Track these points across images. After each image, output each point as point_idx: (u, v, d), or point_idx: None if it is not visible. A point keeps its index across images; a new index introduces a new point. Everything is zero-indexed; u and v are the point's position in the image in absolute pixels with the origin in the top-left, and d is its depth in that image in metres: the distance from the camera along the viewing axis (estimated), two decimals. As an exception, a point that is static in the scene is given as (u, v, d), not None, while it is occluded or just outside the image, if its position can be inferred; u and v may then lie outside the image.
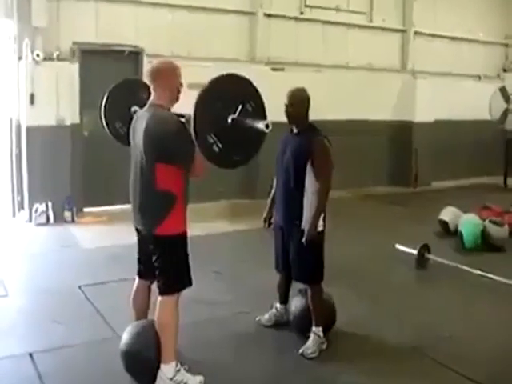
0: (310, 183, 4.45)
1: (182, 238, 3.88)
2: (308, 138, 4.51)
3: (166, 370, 3.85)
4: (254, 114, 3.71)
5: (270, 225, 4.90)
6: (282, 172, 4.63)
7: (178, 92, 3.90)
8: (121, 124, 4.57)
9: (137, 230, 4.04)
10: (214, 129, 3.57)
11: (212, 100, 3.60)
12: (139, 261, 4.17)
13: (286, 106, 4.59)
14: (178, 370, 3.87)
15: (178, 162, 3.70)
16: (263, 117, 3.78)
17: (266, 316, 5.06)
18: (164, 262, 3.85)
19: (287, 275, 4.83)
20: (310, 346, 4.53)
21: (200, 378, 3.96)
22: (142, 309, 4.19)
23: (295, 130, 4.64)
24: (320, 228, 4.48)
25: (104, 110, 4.59)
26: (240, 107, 3.66)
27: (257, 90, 3.87)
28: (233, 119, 3.64)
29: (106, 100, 4.59)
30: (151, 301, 4.19)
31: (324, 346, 4.57)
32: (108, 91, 4.59)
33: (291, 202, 4.55)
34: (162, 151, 3.65)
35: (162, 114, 3.78)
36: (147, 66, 8.88)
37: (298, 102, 4.58)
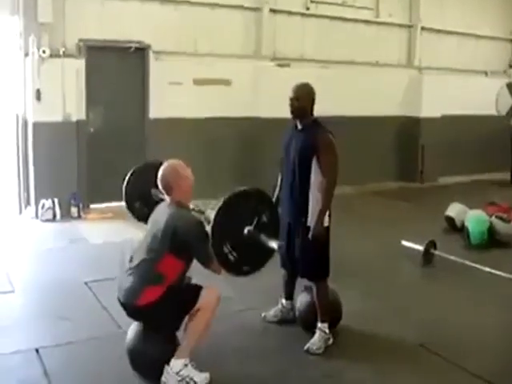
0: (316, 179, 4.44)
1: None
2: (313, 134, 4.49)
3: (175, 364, 3.87)
4: (269, 225, 3.91)
5: None
6: (287, 168, 4.62)
7: (191, 191, 4.08)
8: (140, 204, 4.83)
9: None
10: (230, 240, 3.75)
11: (231, 212, 3.76)
12: None
13: (291, 99, 4.57)
14: (186, 365, 3.89)
15: (196, 256, 3.88)
16: (277, 228, 4.02)
17: (272, 312, 5.06)
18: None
19: (293, 272, 4.82)
20: (316, 342, 4.53)
21: (206, 374, 3.97)
22: None
23: (299, 126, 4.62)
24: (325, 224, 4.47)
25: (125, 190, 4.84)
26: (256, 219, 3.84)
27: (271, 202, 4.14)
28: (248, 231, 3.82)
29: (128, 181, 4.84)
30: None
31: (330, 342, 4.57)
32: (130, 173, 4.85)
33: (297, 199, 4.54)
34: (180, 243, 3.80)
35: (184, 213, 3.97)
36: (153, 64, 8.95)
37: (304, 96, 4.57)
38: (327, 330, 4.57)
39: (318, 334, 4.56)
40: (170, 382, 3.86)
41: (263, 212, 3.89)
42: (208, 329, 3.96)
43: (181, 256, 3.86)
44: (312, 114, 4.61)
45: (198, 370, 3.95)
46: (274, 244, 3.78)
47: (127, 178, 4.84)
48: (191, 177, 4.06)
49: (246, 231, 3.80)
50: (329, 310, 4.63)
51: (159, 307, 3.82)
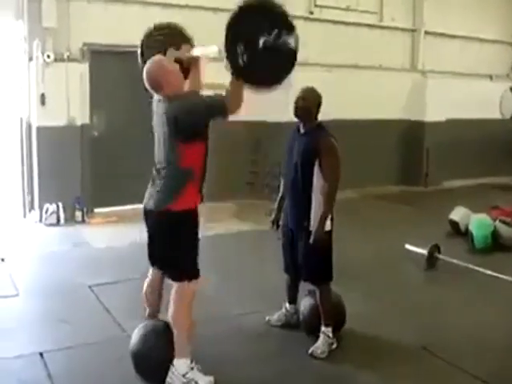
0: (318, 183, 4.44)
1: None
2: (315, 138, 4.49)
3: (179, 365, 3.86)
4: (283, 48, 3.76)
5: (278, 227, 4.90)
6: (290, 173, 4.63)
7: (182, 84, 3.96)
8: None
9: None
10: (244, 42, 3.60)
11: (248, 18, 3.65)
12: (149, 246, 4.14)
13: (298, 97, 4.57)
14: (192, 368, 3.89)
15: (207, 116, 3.77)
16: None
17: (276, 316, 5.06)
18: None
19: (296, 276, 4.82)
20: (320, 346, 4.52)
21: (210, 378, 3.96)
22: (154, 305, 4.21)
23: (302, 130, 4.62)
24: (328, 228, 4.48)
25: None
26: (276, 33, 3.66)
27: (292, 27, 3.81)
28: (265, 41, 3.64)
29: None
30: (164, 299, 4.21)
31: (334, 347, 4.57)
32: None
33: (299, 203, 4.55)
34: (186, 125, 3.71)
35: (178, 99, 3.80)
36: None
37: (310, 97, 4.58)
38: (331, 335, 4.57)
39: (321, 338, 4.56)
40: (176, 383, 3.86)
41: (283, 31, 3.68)
42: (189, 318, 3.92)
43: (195, 139, 3.79)
44: (316, 118, 4.62)
45: (202, 372, 3.95)
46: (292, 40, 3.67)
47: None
48: (177, 69, 3.95)
49: (261, 41, 3.62)
50: (332, 313, 4.63)
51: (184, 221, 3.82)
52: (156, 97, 3.98)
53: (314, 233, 4.41)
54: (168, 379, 3.87)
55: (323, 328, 4.57)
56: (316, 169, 4.43)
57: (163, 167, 3.87)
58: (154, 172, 3.96)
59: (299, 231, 4.57)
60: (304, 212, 4.50)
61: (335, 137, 4.54)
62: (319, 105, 4.61)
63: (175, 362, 3.87)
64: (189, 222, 3.89)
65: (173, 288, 3.93)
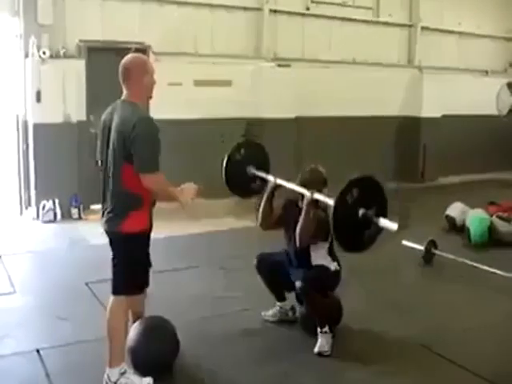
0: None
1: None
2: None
3: (112, 373, 3.80)
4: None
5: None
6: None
7: (151, 89, 3.85)
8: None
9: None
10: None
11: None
12: None
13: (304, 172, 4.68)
14: (123, 373, 3.81)
15: (136, 158, 3.58)
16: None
17: (271, 312, 5.06)
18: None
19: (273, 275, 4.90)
20: (324, 344, 4.50)
21: (147, 379, 3.88)
22: (136, 311, 4.19)
23: (301, 204, 4.55)
24: (333, 268, 4.69)
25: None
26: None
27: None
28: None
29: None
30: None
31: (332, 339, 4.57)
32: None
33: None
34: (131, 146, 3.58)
35: (138, 112, 3.68)
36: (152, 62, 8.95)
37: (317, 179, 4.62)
38: (328, 329, 4.54)
39: (321, 338, 4.53)
40: None
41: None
42: (121, 326, 3.87)
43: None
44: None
45: (137, 375, 3.90)
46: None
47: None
48: (154, 78, 3.83)
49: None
50: (326, 315, 4.61)
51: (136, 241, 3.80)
52: (113, 108, 3.83)
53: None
54: None
55: (319, 330, 4.54)
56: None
57: (111, 187, 3.76)
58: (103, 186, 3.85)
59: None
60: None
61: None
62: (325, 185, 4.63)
63: (107, 370, 3.80)
64: (135, 244, 3.84)
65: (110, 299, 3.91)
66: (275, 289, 4.98)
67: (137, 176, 3.60)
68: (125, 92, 3.80)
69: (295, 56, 10.77)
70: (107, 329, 3.86)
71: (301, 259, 4.66)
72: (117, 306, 3.85)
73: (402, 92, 12.20)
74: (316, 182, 4.55)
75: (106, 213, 3.85)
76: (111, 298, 3.90)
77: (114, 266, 3.90)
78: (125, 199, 3.72)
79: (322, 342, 4.51)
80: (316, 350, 4.48)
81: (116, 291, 3.88)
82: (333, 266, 4.67)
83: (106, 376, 3.81)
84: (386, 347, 4.67)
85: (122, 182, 3.68)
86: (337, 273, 4.71)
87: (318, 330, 4.54)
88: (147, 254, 3.94)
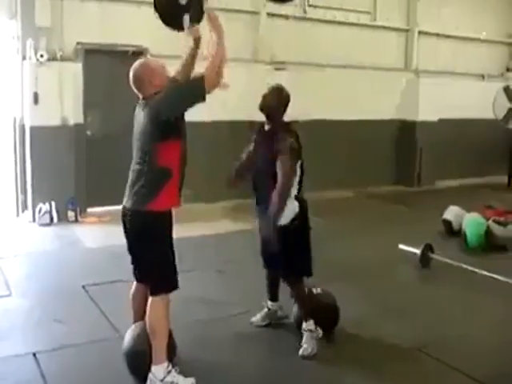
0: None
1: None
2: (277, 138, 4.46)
3: (157, 371, 3.82)
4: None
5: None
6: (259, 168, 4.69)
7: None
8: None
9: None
10: None
11: None
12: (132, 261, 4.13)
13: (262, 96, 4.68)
14: (169, 372, 3.84)
15: (189, 96, 3.86)
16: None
17: (259, 316, 5.01)
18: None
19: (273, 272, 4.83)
20: (305, 344, 4.48)
21: (191, 380, 3.91)
22: (140, 310, 4.18)
23: (266, 127, 4.63)
24: (292, 215, 4.41)
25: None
26: None
27: None
28: None
29: None
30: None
31: (320, 336, 4.55)
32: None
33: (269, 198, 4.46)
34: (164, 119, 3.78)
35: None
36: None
37: (275, 93, 4.68)
38: (313, 327, 4.53)
39: (305, 336, 4.52)
40: None
41: None
42: (164, 323, 3.88)
43: (169, 136, 3.88)
44: (282, 114, 4.64)
45: (183, 374, 3.91)
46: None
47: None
48: (165, 72, 4.03)
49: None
50: (309, 306, 4.58)
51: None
52: (137, 108, 4.05)
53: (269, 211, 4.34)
54: None
55: (304, 325, 4.54)
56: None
57: (140, 168, 3.88)
58: (131, 173, 3.96)
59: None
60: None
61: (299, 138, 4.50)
62: (286, 101, 4.63)
63: (153, 368, 3.83)
64: (163, 224, 3.86)
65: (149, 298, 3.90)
66: (272, 289, 4.96)
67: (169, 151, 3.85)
68: (141, 97, 3.99)
69: (292, 59, 10.77)
70: (148, 327, 3.86)
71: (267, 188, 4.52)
72: (156, 302, 3.85)
73: (398, 96, 12.23)
74: (267, 107, 4.63)
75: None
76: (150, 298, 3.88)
77: (141, 258, 3.92)
78: (158, 175, 3.83)
79: (305, 342, 4.48)
80: (300, 353, 4.45)
81: (155, 291, 3.87)
82: (294, 209, 4.43)
83: (150, 375, 3.82)
84: (383, 351, 4.66)
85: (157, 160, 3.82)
86: (298, 219, 4.46)
87: (303, 325, 4.53)
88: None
